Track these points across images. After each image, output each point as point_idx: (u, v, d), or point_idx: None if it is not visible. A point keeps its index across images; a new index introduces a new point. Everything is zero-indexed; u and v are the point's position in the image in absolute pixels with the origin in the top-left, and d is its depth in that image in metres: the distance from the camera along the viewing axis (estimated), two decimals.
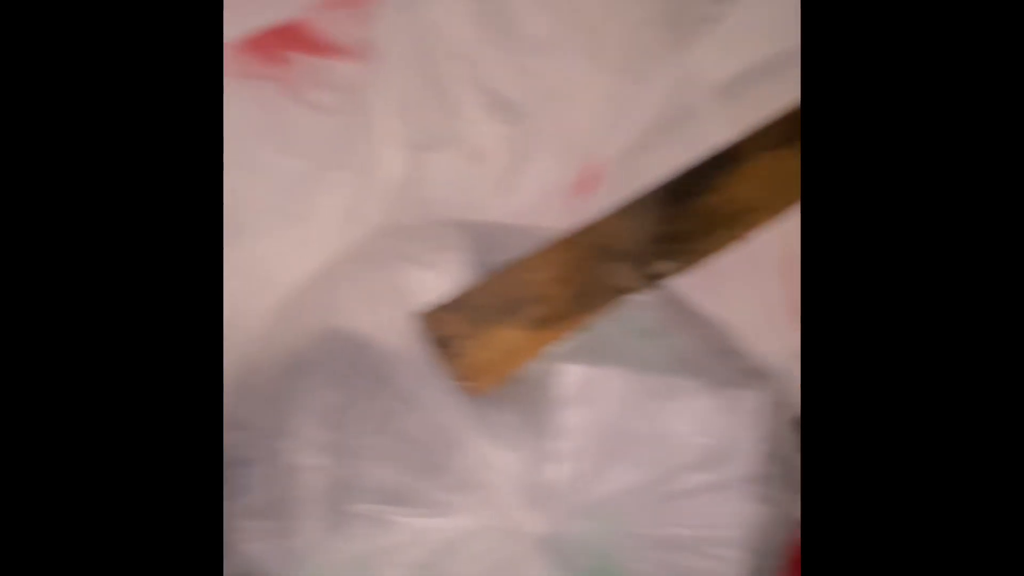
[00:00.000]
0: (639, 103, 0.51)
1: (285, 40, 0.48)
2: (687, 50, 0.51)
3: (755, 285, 0.48)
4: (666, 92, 0.52)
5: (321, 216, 0.48)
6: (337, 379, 0.42)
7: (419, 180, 0.50)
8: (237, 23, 0.47)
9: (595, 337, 0.44)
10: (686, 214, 0.45)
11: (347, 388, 0.42)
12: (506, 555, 0.41)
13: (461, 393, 0.42)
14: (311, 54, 0.48)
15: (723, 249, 0.45)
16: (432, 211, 0.50)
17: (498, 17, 0.49)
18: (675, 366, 0.44)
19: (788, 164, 0.44)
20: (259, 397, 0.44)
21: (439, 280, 0.44)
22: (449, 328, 0.43)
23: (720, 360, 0.46)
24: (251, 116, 0.47)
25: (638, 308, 0.44)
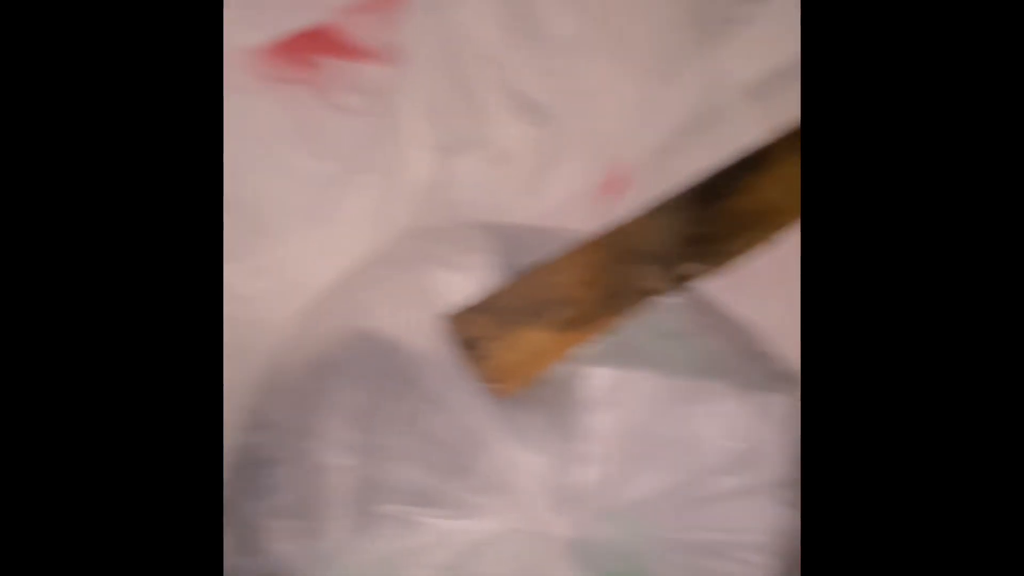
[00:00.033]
0: (667, 105, 0.51)
1: (314, 44, 0.48)
2: (715, 51, 0.51)
3: (784, 287, 0.48)
4: (694, 93, 0.51)
5: (349, 218, 0.49)
6: (365, 380, 0.43)
7: (446, 182, 0.50)
8: (267, 28, 0.47)
9: (622, 339, 0.43)
10: (714, 216, 0.45)
11: (375, 389, 0.42)
12: (532, 558, 0.41)
13: (488, 395, 0.42)
14: (340, 58, 0.48)
15: (752, 251, 0.45)
16: (459, 213, 0.50)
17: (525, 19, 0.49)
18: (703, 369, 0.43)
19: None
20: (288, 398, 0.44)
21: (466, 282, 0.44)
22: (476, 330, 0.43)
23: (749, 363, 0.45)
24: (281, 119, 0.47)
25: (666, 310, 0.44)
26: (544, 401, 0.42)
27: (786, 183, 0.45)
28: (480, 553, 0.40)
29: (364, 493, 0.41)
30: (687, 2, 0.51)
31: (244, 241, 0.48)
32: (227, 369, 0.47)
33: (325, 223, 0.48)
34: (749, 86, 0.51)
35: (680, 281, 0.44)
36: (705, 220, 0.45)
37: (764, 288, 0.47)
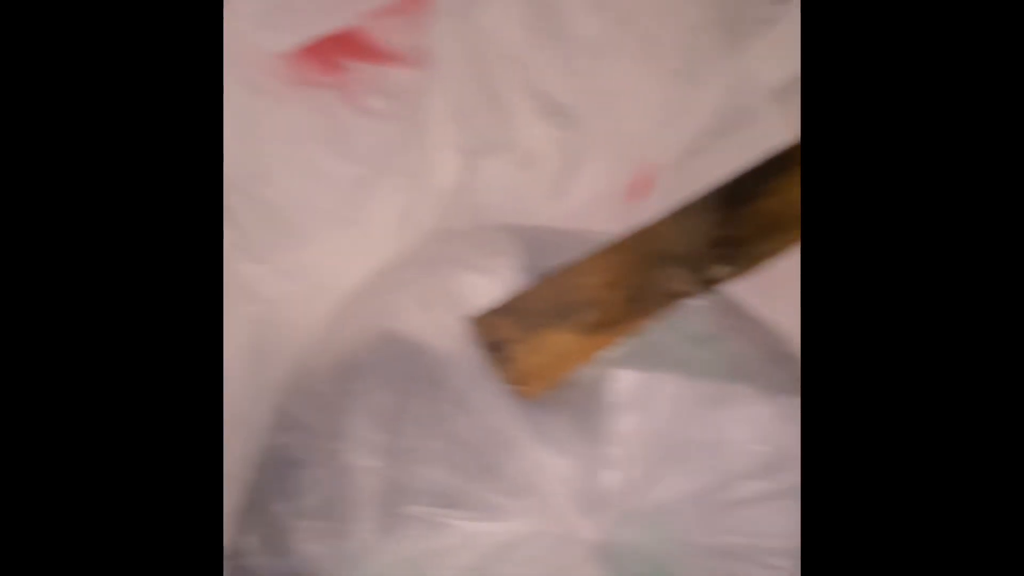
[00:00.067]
0: (694, 106, 0.51)
1: (341, 48, 0.48)
2: (743, 52, 0.51)
3: None
4: (720, 95, 0.51)
5: (375, 221, 0.49)
6: (391, 382, 0.43)
7: (472, 185, 0.50)
8: (295, 32, 0.48)
9: (649, 342, 0.43)
10: (742, 218, 0.45)
11: (401, 391, 0.43)
12: (558, 561, 0.41)
13: (513, 397, 0.42)
14: (366, 61, 0.49)
15: (780, 253, 0.44)
16: (485, 215, 0.50)
17: (550, 21, 0.49)
18: (730, 372, 0.43)
19: None
20: (315, 399, 0.45)
21: (491, 284, 0.45)
22: (500, 332, 0.43)
23: (776, 366, 0.45)
24: (308, 123, 0.48)
25: (693, 313, 0.44)
26: (569, 404, 0.42)
27: None
28: (505, 555, 0.40)
29: (390, 494, 0.41)
30: (713, 3, 0.51)
31: (271, 243, 0.48)
32: (254, 370, 0.48)
33: (352, 225, 0.48)
34: (775, 87, 0.50)
35: (707, 284, 0.44)
36: (732, 222, 0.45)
37: (791, 291, 0.47)
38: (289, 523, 0.42)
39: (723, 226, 0.45)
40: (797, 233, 0.44)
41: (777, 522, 0.41)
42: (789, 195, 0.45)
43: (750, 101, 0.51)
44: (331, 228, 0.48)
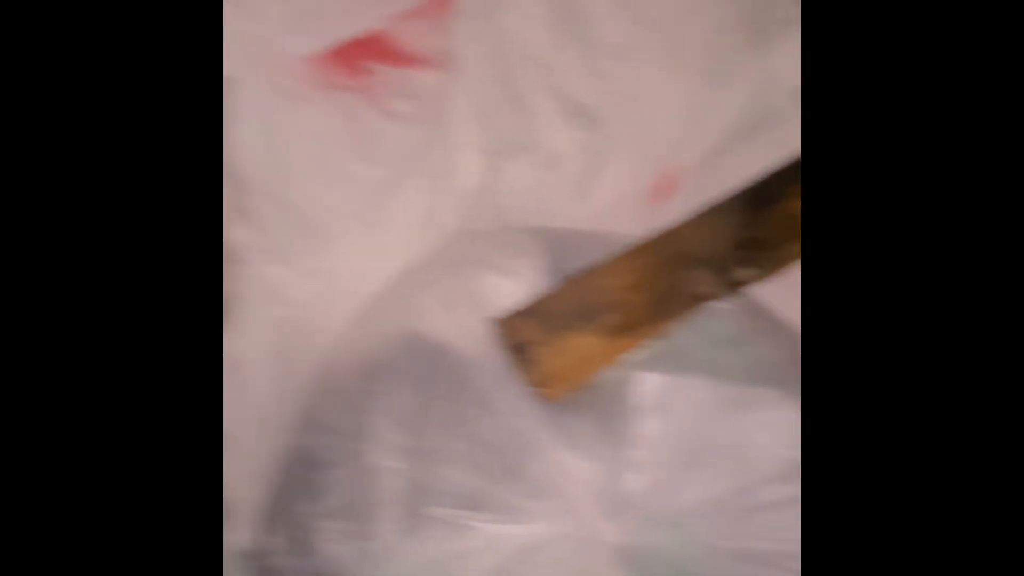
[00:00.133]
0: (718, 107, 0.50)
1: (366, 51, 0.49)
2: (767, 53, 0.50)
3: None
4: (746, 96, 0.51)
5: (400, 222, 0.49)
6: (415, 383, 0.43)
7: (496, 186, 0.50)
8: (320, 36, 0.48)
9: (673, 345, 0.43)
10: (767, 220, 0.45)
11: (425, 392, 0.43)
12: (581, 564, 0.41)
13: (537, 399, 0.42)
14: (391, 64, 0.49)
15: None
16: (509, 217, 0.50)
17: (574, 23, 0.49)
18: (756, 375, 0.43)
19: None
20: (339, 400, 0.45)
21: (515, 286, 0.45)
22: (524, 334, 0.43)
23: None
24: (333, 125, 0.48)
25: (718, 316, 0.44)
26: (594, 406, 0.42)
27: None
28: (529, 558, 0.40)
29: (414, 496, 0.41)
30: (737, 4, 0.51)
31: (296, 245, 0.48)
32: (279, 372, 0.48)
33: (376, 227, 0.48)
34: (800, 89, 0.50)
35: (732, 286, 0.44)
36: (757, 224, 0.45)
37: None
38: (313, 524, 0.42)
39: (748, 228, 0.45)
40: None
41: None
42: None
43: (775, 102, 0.51)
44: (355, 230, 0.48)
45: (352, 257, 0.49)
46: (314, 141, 0.48)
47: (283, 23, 0.47)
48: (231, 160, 0.47)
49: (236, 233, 0.49)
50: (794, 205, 0.45)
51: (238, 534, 0.48)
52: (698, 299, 0.44)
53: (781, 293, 0.45)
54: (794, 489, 0.41)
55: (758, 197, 0.45)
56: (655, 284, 0.44)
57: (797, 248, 0.44)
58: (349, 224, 0.48)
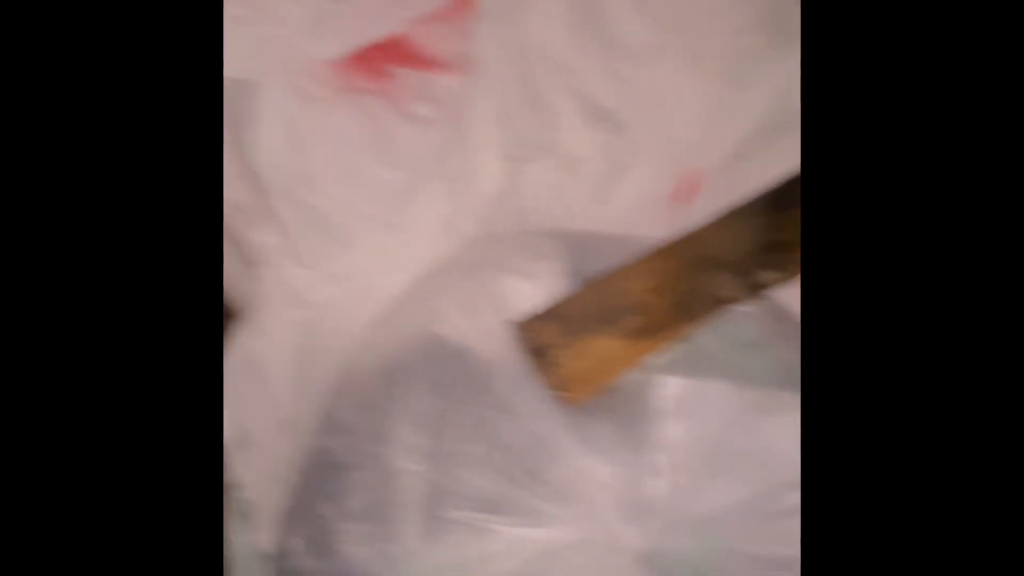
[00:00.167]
0: (740, 109, 0.50)
1: (386, 54, 0.49)
2: (787, 55, 0.50)
3: None
4: (767, 98, 0.50)
5: (420, 226, 0.49)
6: (435, 386, 0.43)
7: (516, 190, 0.50)
8: (342, 40, 0.48)
9: (695, 348, 0.43)
10: (789, 223, 0.44)
11: (445, 395, 0.43)
12: (602, 568, 0.40)
13: (558, 403, 0.42)
14: (411, 67, 0.49)
15: None
16: (529, 220, 0.50)
17: (595, 25, 0.49)
18: (778, 379, 0.42)
19: None
20: (360, 402, 0.45)
21: (535, 289, 0.44)
22: (544, 337, 0.43)
23: None
24: (355, 129, 0.48)
25: (740, 319, 0.43)
26: (615, 410, 0.42)
27: None
28: (549, 562, 0.40)
29: (434, 499, 0.41)
30: (758, 6, 0.50)
31: (317, 248, 0.48)
32: (300, 374, 0.48)
33: (396, 230, 0.49)
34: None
35: (754, 289, 0.44)
36: (780, 227, 0.44)
37: None
38: (334, 526, 0.42)
39: (770, 231, 0.44)
40: None
41: None
42: None
43: (796, 104, 0.50)
44: (376, 233, 0.48)
45: (373, 260, 0.49)
46: (335, 144, 0.48)
47: (305, 27, 0.48)
48: (253, 163, 0.48)
49: (258, 236, 0.49)
50: None
51: (259, 535, 0.48)
52: (720, 302, 0.43)
53: None
54: None
55: (780, 199, 0.45)
56: (676, 287, 0.44)
57: None
58: (370, 227, 0.48)
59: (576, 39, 0.49)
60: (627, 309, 0.43)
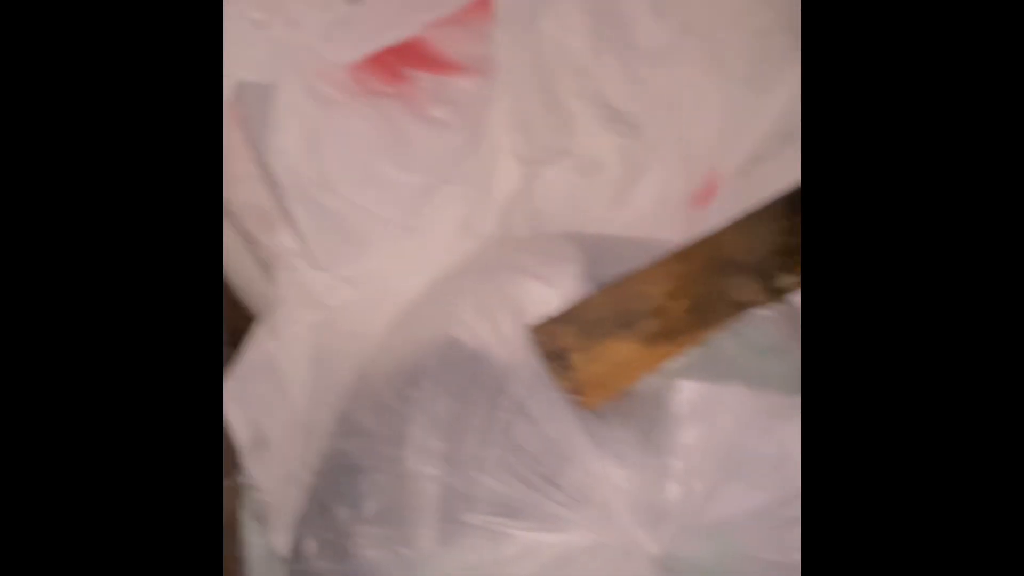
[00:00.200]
0: (759, 112, 0.50)
1: (405, 58, 0.49)
2: None
3: None
4: (786, 101, 0.50)
5: (437, 229, 0.49)
6: (451, 389, 0.43)
7: (534, 192, 0.50)
8: (359, 43, 0.48)
9: (713, 353, 0.42)
10: None
11: (462, 398, 0.42)
12: (618, 573, 0.40)
13: (575, 407, 0.41)
14: (429, 71, 0.49)
15: None
16: (546, 223, 0.50)
17: (612, 28, 0.49)
18: (796, 384, 0.42)
19: None
20: (376, 405, 0.45)
21: (552, 292, 0.44)
22: (560, 341, 0.43)
23: None
24: (372, 132, 0.48)
25: (759, 323, 0.43)
26: (632, 414, 0.42)
27: None
28: (566, 567, 0.40)
29: (450, 502, 0.41)
30: (777, 9, 0.50)
31: (333, 251, 0.48)
32: (316, 376, 0.49)
33: (414, 233, 0.49)
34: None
35: (773, 293, 0.43)
36: (798, 230, 0.44)
37: None
38: (350, 529, 0.42)
39: (790, 234, 0.44)
40: None
41: None
42: None
43: None
44: (393, 236, 0.48)
45: (389, 262, 0.49)
46: (352, 147, 0.48)
47: (322, 31, 0.48)
48: (270, 166, 0.48)
49: (274, 238, 0.50)
50: None
51: (274, 537, 0.48)
52: (739, 306, 0.43)
53: None
54: None
55: (799, 203, 0.44)
56: (695, 291, 0.43)
57: None
58: (387, 230, 0.48)
59: (593, 41, 0.49)
60: (644, 313, 0.43)
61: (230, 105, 0.49)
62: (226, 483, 0.50)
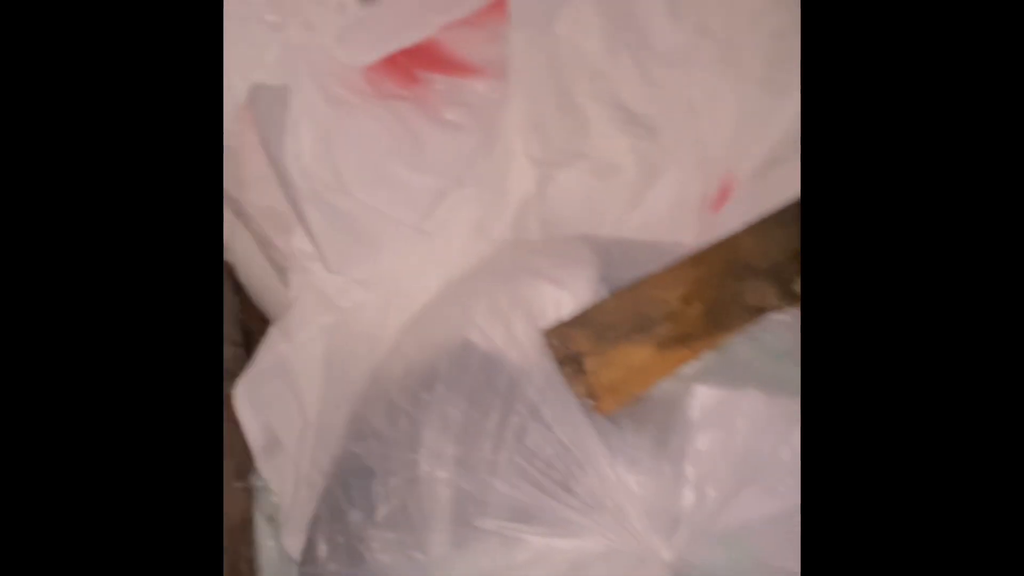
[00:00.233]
0: (775, 115, 0.49)
1: (419, 60, 0.49)
2: None
3: None
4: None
5: (451, 231, 0.49)
6: (465, 392, 0.43)
7: (549, 195, 0.50)
8: (374, 46, 0.48)
9: (729, 357, 0.42)
10: None
11: (474, 402, 0.42)
12: None
13: (589, 411, 0.41)
14: (443, 73, 0.49)
15: None
16: (561, 226, 0.50)
17: (628, 30, 0.49)
18: None
19: None
20: (389, 408, 0.45)
21: (567, 296, 0.44)
22: (574, 345, 0.43)
23: None
24: (386, 134, 0.48)
25: (775, 327, 0.43)
26: (646, 419, 0.41)
27: None
28: (579, 572, 0.40)
29: (464, 507, 0.40)
30: (794, 10, 0.50)
31: (347, 253, 0.48)
32: (330, 379, 0.48)
33: (427, 236, 0.48)
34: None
35: (790, 297, 0.43)
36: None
37: None
38: (363, 533, 0.42)
39: None
40: None
41: None
42: None
43: None
44: (407, 238, 0.48)
45: (403, 265, 0.49)
46: (367, 150, 0.48)
47: (338, 33, 0.48)
48: (284, 168, 0.48)
49: (289, 241, 0.50)
50: None
51: (286, 540, 0.48)
52: (754, 310, 0.43)
53: None
54: None
55: None
56: (710, 295, 0.43)
57: None
58: (401, 232, 0.48)
59: (608, 43, 0.49)
60: (659, 317, 0.43)
61: (244, 107, 0.49)
62: (239, 485, 0.50)
